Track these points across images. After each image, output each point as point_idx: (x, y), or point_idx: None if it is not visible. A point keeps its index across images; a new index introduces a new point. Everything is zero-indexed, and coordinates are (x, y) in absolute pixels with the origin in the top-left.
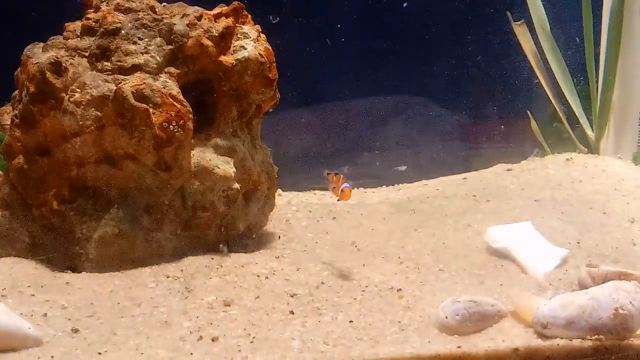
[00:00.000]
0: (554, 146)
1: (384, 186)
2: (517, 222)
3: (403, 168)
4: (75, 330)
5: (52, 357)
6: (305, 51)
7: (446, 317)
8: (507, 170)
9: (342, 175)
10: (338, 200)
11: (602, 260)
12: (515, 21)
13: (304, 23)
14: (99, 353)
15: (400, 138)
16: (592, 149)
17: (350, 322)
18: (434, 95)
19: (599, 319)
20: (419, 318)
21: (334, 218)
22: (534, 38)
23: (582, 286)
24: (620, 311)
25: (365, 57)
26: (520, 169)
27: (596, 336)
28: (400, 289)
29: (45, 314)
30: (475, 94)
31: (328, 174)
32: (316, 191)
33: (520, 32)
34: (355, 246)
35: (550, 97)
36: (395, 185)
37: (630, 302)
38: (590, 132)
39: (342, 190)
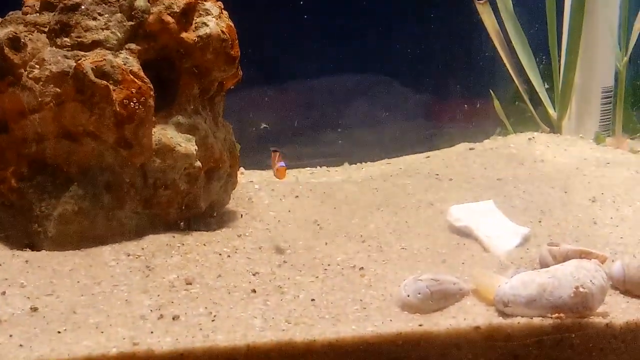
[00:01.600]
0: (516, 125)
1: (347, 164)
2: (479, 201)
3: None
4: (35, 309)
5: (11, 336)
6: (268, 28)
7: (408, 296)
8: (470, 149)
9: (279, 153)
10: (275, 177)
11: (563, 239)
12: (478, 0)
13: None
14: (59, 332)
15: (363, 116)
16: (554, 128)
17: (312, 300)
18: (397, 74)
19: (559, 297)
20: (381, 296)
21: (297, 197)
22: (497, 17)
23: (543, 265)
24: (581, 290)
25: (329, 35)
26: (483, 147)
27: (557, 314)
28: (362, 268)
29: (4, 293)
30: (438, 72)
31: (273, 150)
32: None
33: (483, 10)
34: (318, 225)
35: (513, 76)
36: (358, 164)
37: (591, 281)
38: (552, 112)
39: (277, 169)
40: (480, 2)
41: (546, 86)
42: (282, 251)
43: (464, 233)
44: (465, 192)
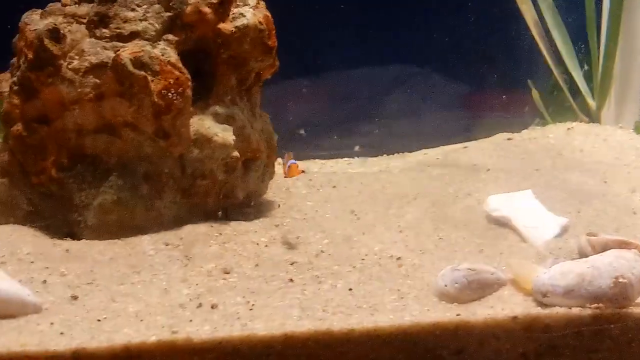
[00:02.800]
0: (554, 115)
1: (385, 155)
2: (518, 191)
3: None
4: (75, 297)
5: (52, 323)
6: (305, 18)
7: (445, 285)
8: (508, 139)
9: (290, 153)
10: (285, 177)
11: (602, 229)
12: None
13: None
14: (98, 320)
15: (400, 107)
16: (593, 118)
17: (349, 290)
18: (435, 64)
19: (598, 287)
20: (418, 286)
21: (334, 187)
22: (536, 6)
23: (582, 255)
24: (620, 280)
25: (366, 25)
26: (521, 138)
27: (595, 305)
28: (399, 257)
29: (45, 281)
30: (476, 63)
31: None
32: (316, 160)
33: (522, 0)
34: (355, 215)
35: (552, 66)
36: (396, 154)
37: (630, 271)
38: (591, 101)
39: (289, 167)
40: None
41: (585, 75)
42: (292, 246)
43: (502, 223)
44: (503, 182)
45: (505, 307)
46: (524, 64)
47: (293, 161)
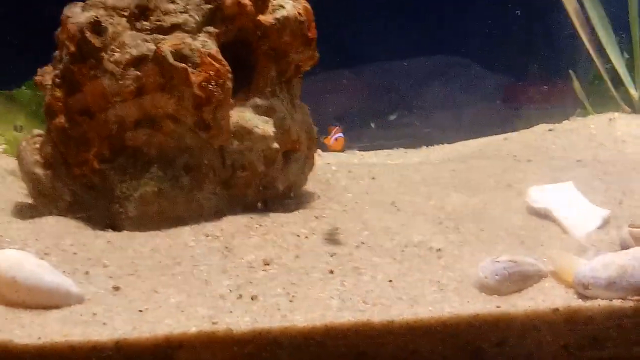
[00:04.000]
0: (596, 106)
1: (424, 146)
2: (559, 182)
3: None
4: (117, 288)
5: (94, 314)
6: (345, 10)
7: (485, 277)
8: (549, 130)
9: (338, 127)
10: (329, 149)
11: None
12: None
13: None
14: (140, 311)
15: (440, 98)
16: (635, 108)
17: (389, 281)
18: (475, 55)
19: None
20: (458, 278)
21: (374, 178)
22: None
23: (624, 247)
24: None
25: (406, 16)
26: (562, 129)
27: (637, 297)
28: (439, 249)
29: (87, 272)
30: (517, 53)
31: (329, 126)
32: (356, 151)
33: None
34: (395, 206)
35: (593, 56)
36: (436, 145)
37: None
38: (633, 92)
39: (336, 139)
40: None
41: (627, 64)
42: (335, 241)
43: (543, 215)
44: (544, 173)
45: (546, 299)
46: (565, 54)
47: (341, 134)
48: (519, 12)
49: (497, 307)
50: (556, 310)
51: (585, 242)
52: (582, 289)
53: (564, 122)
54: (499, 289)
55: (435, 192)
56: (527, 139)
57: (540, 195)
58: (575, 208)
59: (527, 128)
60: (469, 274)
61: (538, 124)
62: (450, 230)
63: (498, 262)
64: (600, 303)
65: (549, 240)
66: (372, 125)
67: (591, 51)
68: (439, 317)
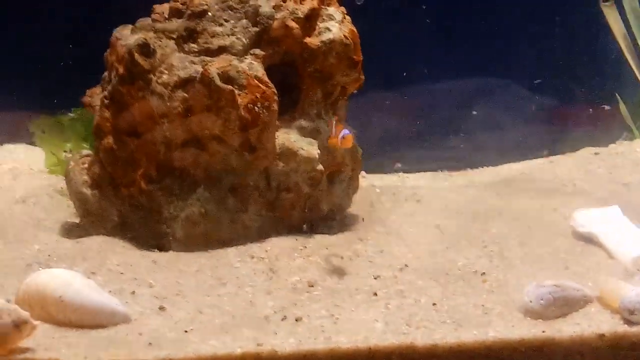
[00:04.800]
0: None
1: (469, 169)
2: (605, 207)
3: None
4: (163, 308)
5: (140, 334)
6: (390, 33)
7: (530, 302)
8: (595, 153)
9: (336, 120)
10: (332, 146)
11: None
12: (603, 1)
13: (388, 4)
14: (185, 331)
15: (485, 121)
16: None
17: (433, 304)
18: (520, 78)
19: None
20: (503, 302)
21: (418, 201)
22: (624, 18)
23: None
24: None
25: (449, 39)
26: (608, 152)
27: None
28: (484, 273)
29: (134, 292)
30: (562, 76)
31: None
32: (400, 173)
33: (609, 12)
34: (439, 229)
35: None
36: (480, 168)
37: None
38: None
39: (343, 137)
40: (606, 3)
41: None
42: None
43: (589, 239)
44: (589, 197)
45: (591, 324)
46: (611, 76)
47: (346, 131)
48: (564, 33)
49: (542, 331)
50: (602, 335)
51: (632, 267)
52: (628, 315)
53: (610, 145)
54: (544, 313)
55: (480, 216)
56: (572, 162)
57: (586, 219)
58: (621, 232)
59: (573, 151)
60: (514, 298)
61: (583, 147)
62: (494, 254)
63: (543, 286)
64: None
65: (595, 265)
66: (399, 165)
67: (638, 74)
68: (483, 342)
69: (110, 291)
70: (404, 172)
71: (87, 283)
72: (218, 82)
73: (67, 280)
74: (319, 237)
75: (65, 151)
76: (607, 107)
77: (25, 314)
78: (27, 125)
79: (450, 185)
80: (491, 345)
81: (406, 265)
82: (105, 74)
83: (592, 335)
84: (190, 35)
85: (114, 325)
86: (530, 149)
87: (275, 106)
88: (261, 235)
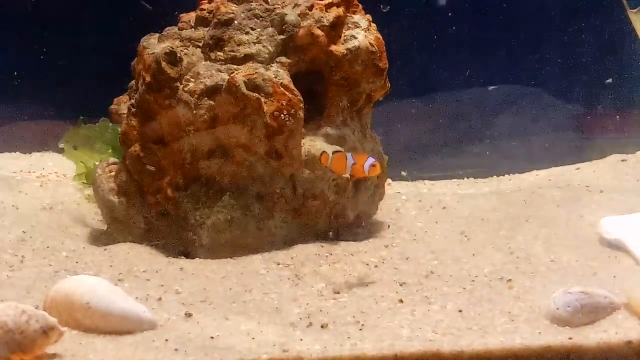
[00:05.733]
0: None
1: (495, 176)
2: (632, 213)
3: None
4: (189, 315)
5: (167, 340)
6: (416, 40)
7: (557, 309)
8: (622, 160)
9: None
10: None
11: None
12: (631, 8)
13: (414, 12)
14: (212, 337)
15: (511, 127)
16: None
17: (459, 311)
18: (546, 85)
19: None
20: (529, 309)
21: (444, 208)
22: None
23: None
24: None
25: (476, 46)
26: (635, 159)
27: None
28: (510, 279)
29: (160, 299)
30: (589, 83)
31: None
32: (426, 181)
33: (636, 19)
34: (465, 236)
35: None
36: (506, 175)
37: None
38: None
39: (372, 165)
40: (633, 10)
41: None
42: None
43: (616, 246)
44: (617, 204)
45: (619, 331)
46: (639, 83)
47: (373, 159)
48: (592, 41)
49: (569, 338)
50: (629, 342)
51: None
52: None
53: (637, 152)
54: (571, 320)
55: (506, 223)
56: (599, 170)
57: (613, 226)
58: None
59: (600, 158)
60: (540, 305)
61: (611, 154)
62: (521, 260)
63: (570, 293)
64: None
65: (622, 271)
66: (404, 173)
67: None
68: (510, 348)
69: (137, 297)
70: (430, 179)
71: (114, 289)
72: (244, 90)
73: (94, 286)
74: (344, 244)
75: (95, 162)
76: (634, 114)
77: (53, 320)
78: (55, 133)
79: (475, 192)
80: (518, 352)
81: (432, 272)
82: (132, 82)
83: (619, 342)
84: (216, 44)
85: (140, 331)
86: (557, 156)
87: (301, 114)
88: (287, 242)
